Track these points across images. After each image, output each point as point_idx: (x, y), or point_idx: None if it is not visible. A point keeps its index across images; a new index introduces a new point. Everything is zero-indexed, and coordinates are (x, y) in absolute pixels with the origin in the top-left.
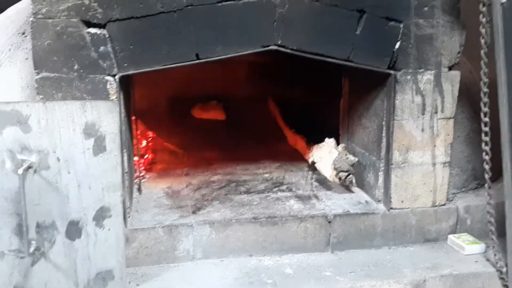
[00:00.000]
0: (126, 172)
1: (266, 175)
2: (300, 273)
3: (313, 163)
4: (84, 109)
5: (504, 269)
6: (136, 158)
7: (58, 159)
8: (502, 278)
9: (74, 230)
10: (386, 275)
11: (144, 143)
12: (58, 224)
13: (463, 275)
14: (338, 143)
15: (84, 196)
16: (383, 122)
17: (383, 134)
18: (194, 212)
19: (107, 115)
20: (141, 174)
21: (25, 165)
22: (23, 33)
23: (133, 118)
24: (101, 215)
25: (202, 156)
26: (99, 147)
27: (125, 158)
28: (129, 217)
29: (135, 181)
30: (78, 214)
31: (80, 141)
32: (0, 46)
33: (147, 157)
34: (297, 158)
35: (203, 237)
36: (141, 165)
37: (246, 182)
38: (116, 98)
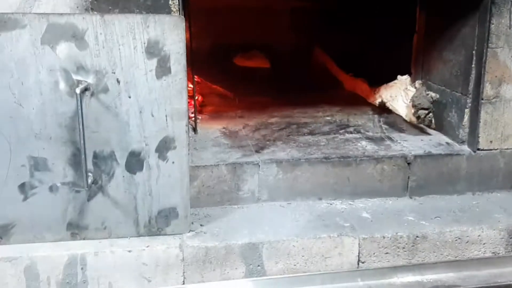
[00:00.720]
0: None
1: (328, 118)
2: (378, 217)
3: (382, 104)
4: (146, 24)
5: None
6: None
7: (118, 81)
8: None
9: (134, 162)
10: (477, 220)
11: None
12: (118, 155)
13: None
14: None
15: (146, 123)
16: (473, 51)
17: (473, 65)
18: (257, 151)
19: (172, 32)
20: (193, 115)
21: (81, 86)
22: None
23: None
24: (164, 146)
25: (254, 100)
26: (163, 69)
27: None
28: (188, 154)
29: (193, 120)
30: (139, 144)
31: (142, 61)
32: None
33: (197, 99)
34: (358, 102)
35: (269, 177)
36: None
37: (307, 124)
38: (178, 15)
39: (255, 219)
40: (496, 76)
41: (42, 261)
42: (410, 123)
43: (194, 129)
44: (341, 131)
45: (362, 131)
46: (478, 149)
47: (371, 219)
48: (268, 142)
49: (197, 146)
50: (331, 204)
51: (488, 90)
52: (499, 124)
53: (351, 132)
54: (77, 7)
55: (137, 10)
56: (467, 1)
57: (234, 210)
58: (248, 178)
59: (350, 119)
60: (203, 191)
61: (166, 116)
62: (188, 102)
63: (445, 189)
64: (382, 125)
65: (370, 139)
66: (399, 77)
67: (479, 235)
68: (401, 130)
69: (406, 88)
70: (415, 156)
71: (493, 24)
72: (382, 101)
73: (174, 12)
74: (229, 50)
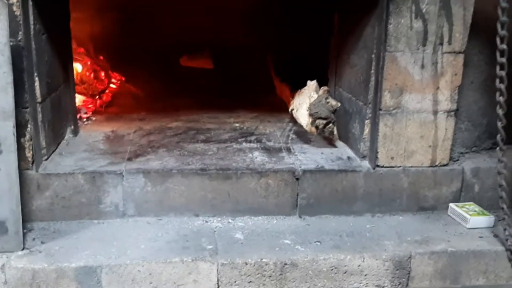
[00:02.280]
0: (39, 102)
1: (236, 125)
2: (252, 239)
3: (292, 111)
4: None
5: None
6: (80, 98)
7: None
8: (511, 260)
9: None
10: (361, 247)
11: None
12: None
13: (461, 253)
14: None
15: None
16: (373, 56)
17: (372, 71)
18: (129, 159)
19: None
20: (86, 115)
21: None
22: None
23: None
24: None
25: (171, 103)
26: None
27: (37, 83)
28: (45, 160)
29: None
30: None
31: None
32: None
33: (101, 98)
34: (281, 109)
35: (135, 189)
36: (89, 104)
37: (208, 131)
38: (17, 1)
39: (109, 237)
40: (396, 84)
41: None
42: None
43: (74, 131)
44: (240, 140)
45: (263, 140)
46: (378, 166)
47: (242, 241)
48: (149, 149)
49: (64, 151)
50: (207, 221)
51: (387, 99)
52: (401, 138)
53: (250, 141)
54: None
55: None
56: None
57: (93, 225)
58: (110, 189)
59: (259, 127)
60: (57, 202)
61: None
62: (87, 101)
63: (341, 208)
64: (291, 135)
65: (266, 149)
66: (308, 82)
67: (359, 265)
68: (307, 141)
69: (310, 95)
70: (305, 171)
71: (391, 24)
72: (292, 108)
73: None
74: (180, 50)
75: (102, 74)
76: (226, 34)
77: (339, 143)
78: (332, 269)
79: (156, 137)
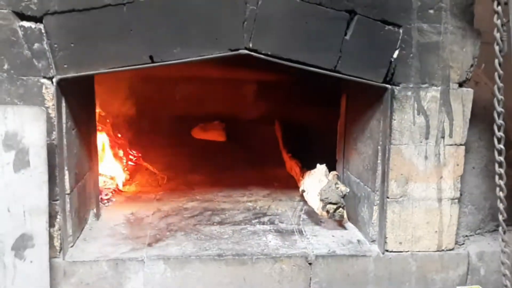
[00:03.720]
0: (68, 194)
1: (250, 204)
2: None
3: (303, 192)
4: (4, 115)
5: None
6: (102, 179)
7: None
8: None
9: None
10: None
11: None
12: None
13: None
14: (332, 170)
15: (1, 220)
16: (379, 147)
17: (379, 161)
18: (149, 245)
19: (33, 124)
20: (106, 197)
21: None
22: None
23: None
24: (21, 244)
25: (185, 180)
26: (21, 162)
27: (67, 176)
28: (71, 247)
29: (96, 205)
30: None
31: None
32: None
33: (119, 179)
34: (290, 186)
35: (155, 275)
36: (109, 187)
37: (223, 211)
38: (53, 104)
39: None
40: (402, 174)
41: None
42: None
43: (97, 215)
44: (254, 221)
45: (276, 221)
46: (387, 251)
47: None
48: (168, 233)
49: (88, 237)
50: None
51: (393, 188)
52: (408, 224)
53: (263, 223)
54: None
55: (9, 98)
56: (371, 94)
57: None
58: (132, 275)
59: (271, 206)
60: None
61: (24, 212)
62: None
63: None
64: (302, 215)
65: (279, 232)
66: (318, 165)
67: None
68: (318, 223)
69: (320, 180)
70: (317, 256)
71: (395, 120)
72: (303, 189)
73: (48, 101)
74: (191, 121)
75: (121, 152)
76: (237, 106)
77: (349, 225)
78: None
79: (174, 219)
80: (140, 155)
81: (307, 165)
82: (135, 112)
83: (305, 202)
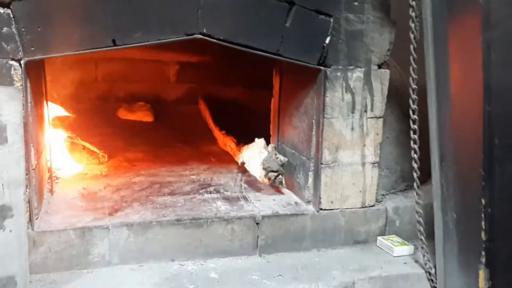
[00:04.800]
0: (33, 169)
1: (193, 177)
2: (225, 277)
3: (243, 164)
4: None
5: (432, 271)
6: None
7: None
8: (430, 280)
9: None
10: (315, 277)
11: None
12: None
13: (392, 276)
14: (268, 144)
15: None
16: (313, 121)
17: (313, 133)
18: (110, 214)
19: (8, 103)
20: (54, 174)
21: None
22: None
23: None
24: (1, 215)
25: (125, 158)
26: (0, 138)
27: (32, 152)
28: (36, 219)
29: (48, 181)
30: None
31: None
32: None
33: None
34: (227, 160)
35: (120, 240)
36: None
37: (170, 184)
38: (21, 85)
39: (102, 284)
40: (333, 143)
41: None
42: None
43: (51, 190)
44: (201, 191)
45: (221, 190)
46: (321, 209)
47: (218, 280)
48: (124, 204)
49: (49, 210)
50: (183, 265)
51: (326, 155)
52: (339, 186)
53: (210, 192)
54: None
55: None
56: (305, 75)
57: (83, 275)
58: (98, 242)
59: (214, 178)
60: (50, 256)
61: (2, 185)
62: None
63: (293, 246)
64: (242, 184)
65: (226, 199)
66: (256, 139)
67: None
68: (258, 190)
69: (260, 151)
70: (263, 217)
71: (327, 97)
72: (242, 161)
73: (16, 81)
74: (114, 102)
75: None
76: (160, 86)
77: (285, 190)
78: None
79: (126, 192)
80: (74, 135)
81: (239, 141)
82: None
83: (244, 173)
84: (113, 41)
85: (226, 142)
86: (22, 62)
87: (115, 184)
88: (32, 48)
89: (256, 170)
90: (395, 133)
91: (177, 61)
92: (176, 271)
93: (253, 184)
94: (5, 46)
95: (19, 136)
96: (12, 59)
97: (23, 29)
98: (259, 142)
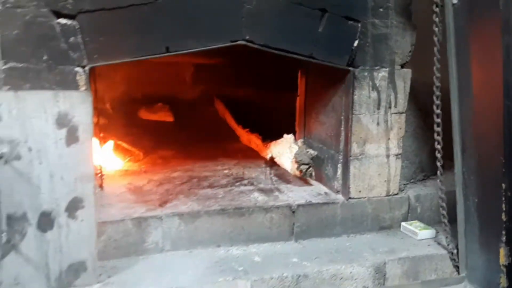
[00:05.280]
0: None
1: (226, 171)
2: (268, 260)
3: (272, 158)
4: (56, 99)
5: (454, 251)
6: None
7: (30, 149)
8: (453, 259)
9: (46, 221)
10: (349, 259)
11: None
12: (30, 216)
13: (419, 257)
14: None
15: (56, 186)
16: (342, 117)
17: (342, 128)
18: (161, 206)
19: (80, 106)
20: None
21: None
22: None
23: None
24: (74, 206)
25: (158, 155)
26: (72, 138)
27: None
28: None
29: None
30: (50, 205)
31: (52, 131)
32: None
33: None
34: (253, 156)
35: (172, 229)
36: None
37: (207, 178)
38: (85, 89)
39: (159, 268)
40: (361, 137)
41: None
42: (295, 176)
43: (100, 186)
44: (237, 184)
45: (255, 183)
46: (350, 198)
47: (261, 262)
48: (170, 196)
49: (103, 203)
50: (228, 250)
51: (355, 148)
52: (366, 176)
53: (245, 185)
54: None
55: (48, 85)
56: (334, 76)
57: (140, 260)
58: (153, 230)
59: (245, 172)
60: (109, 244)
61: (75, 179)
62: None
63: (325, 232)
64: (272, 177)
65: (261, 190)
66: (285, 135)
67: (350, 272)
68: (288, 182)
69: (290, 146)
70: (298, 205)
71: (355, 95)
72: (271, 156)
73: (81, 86)
74: (133, 103)
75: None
76: (176, 88)
77: (313, 182)
78: (332, 277)
79: (169, 186)
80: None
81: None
82: None
83: (272, 167)
84: (167, 48)
85: (250, 139)
86: (86, 68)
87: (156, 179)
88: (95, 56)
89: (287, 164)
90: (413, 128)
91: (192, 63)
92: (223, 256)
93: (282, 176)
94: (72, 54)
95: (88, 135)
96: (78, 66)
97: (87, 39)
98: (288, 137)
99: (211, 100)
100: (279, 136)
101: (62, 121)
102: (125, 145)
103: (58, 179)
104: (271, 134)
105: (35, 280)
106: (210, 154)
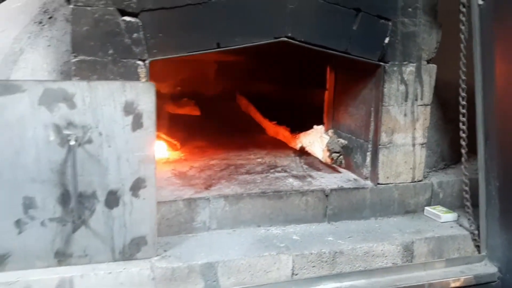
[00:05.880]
0: None
1: (259, 160)
2: (305, 239)
3: (302, 148)
4: (124, 89)
5: (476, 232)
6: None
7: (100, 134)
8: (474, 239)
9: (112, 199)
10: (380, 238)
11: None
12: (98, 194)
13: (443, 237)
14: None
15: (122, 168)
16: (372, 108)
17: (371, 119)
18: (206, 189)
19: (144, 95)
20: None
21: (72, 139)
22: (40, 22)
23: None
24: (137, 186)
25: (194, 146)
26: (137, 124)
27: None
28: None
29: None
30: (116, 185)
31: (120, 118)
32: (17, 34)
33: None
34: (281, 146)
35: (218, 209)
36: None
37: (243, 166)
38: (146, 80)
39: (208, 244)
40: (389, 127)
41: (36, 284)
42: (325, 164)
43: None
44: (271, 171)
45: (288, 170)
46: (378, 184)
47: (300, 241)
48: (213, 181)
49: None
50: (268, 230)
51: (383, 138)
52: (393, 164)
53: (279, 171)
54: (54, 71)
55: (112, 76)
56: (364, 70)
57: (189, 238)
58: (201, 211)
59: (277, 161)
60: (163, 222)
61: (139, 161)
62: None
63: (355, 215)
64: (303, 166)
65: (295, 176)
66: (315, 126)
67: (381, 250)
68: (318, 169)
69: (321, 136)
70: (331, 190)
71: (385, 88)
72: (302, 146)
73: (142, 77)
74: (160, 98)
75: None
76: (199, 84)
77: (342, 169)
78: (365, 254)
79: (210, 172)
80: None
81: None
82: None
83: (301, 156)
84: (218, 44)
85: (278, 131)
86: (146, 62)
87: (197, 166)
88: (155, 51)
89: (319, 152)
90: (435, 119)
91: (214, 60)
92: (264, 234)
93: (312, 165)
94: (135, 49)
95: (151, 121)
96: (139, 59)
97: (148, 35)
98: (319, 128)
99: (233, 95)
100: (304, 128)
101: (128, 108)
102: (163, 135)
103: (124, 161)
104: (297, 127)
105: (101, 252)
106: (240, 144)
